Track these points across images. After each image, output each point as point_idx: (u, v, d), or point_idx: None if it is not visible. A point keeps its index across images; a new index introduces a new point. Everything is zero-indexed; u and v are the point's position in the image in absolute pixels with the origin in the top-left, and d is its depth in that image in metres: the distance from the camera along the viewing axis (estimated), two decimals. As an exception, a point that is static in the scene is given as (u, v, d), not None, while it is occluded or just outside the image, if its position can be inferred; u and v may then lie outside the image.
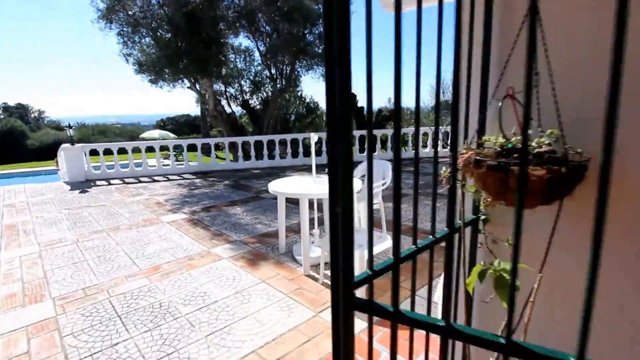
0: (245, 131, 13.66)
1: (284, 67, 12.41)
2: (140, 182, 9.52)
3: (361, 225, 3.65)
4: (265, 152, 10.82)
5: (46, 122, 47.09)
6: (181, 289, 3.39)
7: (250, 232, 4.92)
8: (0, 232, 5.60)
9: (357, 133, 11.03)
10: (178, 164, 10.64)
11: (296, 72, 12.47)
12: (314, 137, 3.46)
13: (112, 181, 9.60)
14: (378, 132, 11.33)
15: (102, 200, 7.53)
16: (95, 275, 3.78)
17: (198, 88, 12.43)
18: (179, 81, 12.57)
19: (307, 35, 11.72)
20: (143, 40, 11.44)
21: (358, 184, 3.57)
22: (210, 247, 4.41)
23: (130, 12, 10.57)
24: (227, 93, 13.87)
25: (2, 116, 44.14)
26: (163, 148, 11.73)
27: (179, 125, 46.60)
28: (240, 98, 14.51)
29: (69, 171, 9.65)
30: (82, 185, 9.19)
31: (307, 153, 11.31)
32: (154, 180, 9.63)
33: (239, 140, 10.89)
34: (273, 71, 12.62)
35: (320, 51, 11.19)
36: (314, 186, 3.58)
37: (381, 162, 4.12)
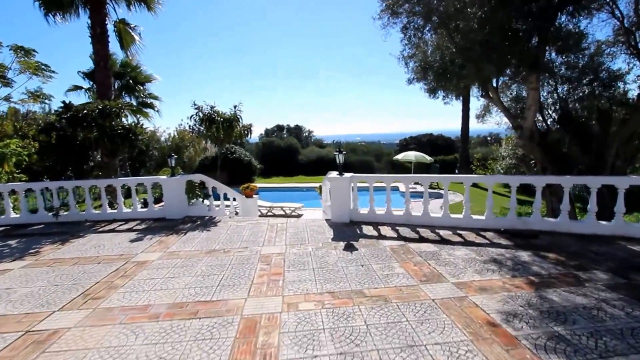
0: (572, 161, 8.44)
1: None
2: (421, 237, 6.17)
3: None
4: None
5: (312, 141, 54.65)
6: None
7: None
8: (233, 338, 3.12)
9: None
10: (476, 215, 6.76)
11: None
12: None
13: (381, 229, 6.69)
14: None
15: (378, 278, 4.43)
16: None
17: (497, 95, 8.30)
18: (469, 86, 8.90)
19: None
20: (434, 34, 8.34)
21: None
22: None
23: (423, -5, 7.62)
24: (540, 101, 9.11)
25: (285, 135, 54.42)
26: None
27: (421, 145, 44.09)
28: (556, 108, 9.43)
29: (333, 207, 7.41)
30: (346, 232, 6.65)
31: None
32: (442, 240, 6.07)
33: (589, 182, 5.97)
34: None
35: None
36: None
37: None
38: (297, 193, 21.18)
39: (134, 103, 21.21)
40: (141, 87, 20.88)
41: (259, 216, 12.49)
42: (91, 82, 18.58)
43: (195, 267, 5.02)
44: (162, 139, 25.43)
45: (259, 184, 24.93)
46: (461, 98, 20.88)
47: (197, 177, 8.85)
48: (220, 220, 8.10)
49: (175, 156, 8.34)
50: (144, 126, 10.07)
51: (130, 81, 20.22)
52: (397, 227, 6.78)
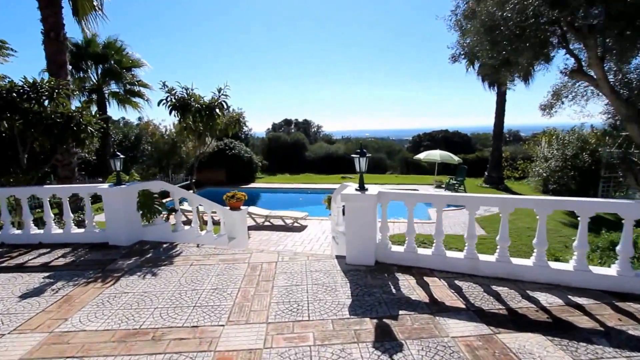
0: None
1: None
2: (512, 312, 3.48)
3: None
4: None
5: (321, 136, 51.84)
6: None
7: None
8: None
9: None
10: (596, 267, 4.04)
11: None
12: None
13: (430, 285, 4.02)
14: None
15: None
16: None
17: (602, 71, 5.55)
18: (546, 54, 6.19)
19: None
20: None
21: None
22: None
23: None
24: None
25: (293, 129, 51.62)
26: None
27: (436, 142, 41.04)
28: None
29: (349, 239, 4.72)
30: (373, 291, 3.98)
31: None
32: (556, 321, 3.36)
33: None
34: None
35: None
36: None
37: None
38: (303, 195, 18.59)
39: (121, 91, 18.81)
40: (128, 73, 18.39)
41: (248, 228, 9.93)
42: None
43: (70, 397, 2.42)
44: (159, 132, 23.04)
45: (261, 183, 22.37)
46: (495, 87, 17.99)
47: (157, 186, 6.27)
48: (182, 251, 5.50)
49: (122, 156, 5.75)
50: (97, 113, 7.49)
51: (115, 65, 17.74)
52: (456, 281, 4.10)
